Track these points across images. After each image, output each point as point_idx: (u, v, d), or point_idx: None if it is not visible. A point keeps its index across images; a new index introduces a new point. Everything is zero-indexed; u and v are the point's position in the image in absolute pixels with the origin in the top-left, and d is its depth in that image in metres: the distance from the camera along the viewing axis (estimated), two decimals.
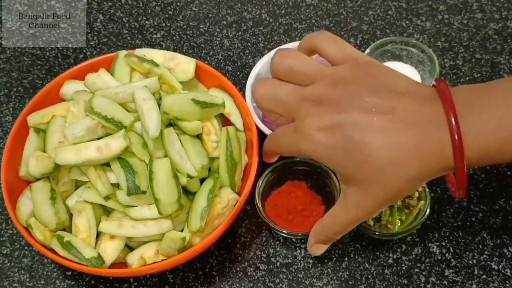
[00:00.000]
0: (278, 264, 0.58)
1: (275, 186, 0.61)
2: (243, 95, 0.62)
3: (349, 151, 0.44)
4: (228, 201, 0.55)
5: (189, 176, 0.54)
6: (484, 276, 0.56)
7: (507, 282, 0.56)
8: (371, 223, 0.57)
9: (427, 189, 0.57)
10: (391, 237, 0.58)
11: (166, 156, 0.55)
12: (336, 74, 0.47)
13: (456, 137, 0.41)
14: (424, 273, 0.57)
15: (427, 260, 0.57)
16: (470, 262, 0.57)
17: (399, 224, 0.58)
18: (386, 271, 0.57)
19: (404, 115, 0.43)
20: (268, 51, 0.66)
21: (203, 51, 0.76)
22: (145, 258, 0.54)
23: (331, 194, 0.60)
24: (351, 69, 0.47)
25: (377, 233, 0.57)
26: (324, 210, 0.59)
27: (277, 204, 0.60)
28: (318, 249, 0.53)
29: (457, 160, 0.42)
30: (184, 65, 0.62)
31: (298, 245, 0.59)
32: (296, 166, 0.62)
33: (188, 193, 0.56)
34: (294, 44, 0.67)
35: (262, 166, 0.60)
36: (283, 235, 0.58)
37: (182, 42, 0.77)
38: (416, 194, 0.58)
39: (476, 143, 0.42)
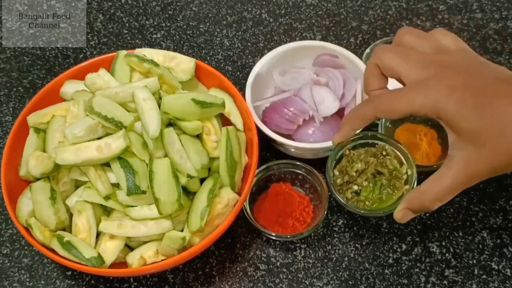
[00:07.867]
0: (278, 264, 0.58)
1: (261, 190, 0.61)
2: (243, 95, 0.62)
3: (480, 105, 0.45)
4: (228, 201, 0.55)
5: (189, 176, 0.54)
6: (484, 276, 0.56)
7: (507, 282, 0.56)
8: (349, 195, 0.54)
9: (415, 175, 0.54)
10: (365, 214, 0.56)
11: (166, 156, 0.55)
12: (459, 49, 0.50)
13: None
14: (424, 273, 0.57)
15: (427, 260, 0.57)
16: (470, 262, 0.57)
17: (377, 203, 0.54)
18: (386, 271, 0.57)
19: None
20: (268, 51, 0.66)
21: (203, 51, 0.76)
22: (145, 258, 0.54)
23: (317, 192, 0.60)
24: (472, 53, 0.51)
25: (360, 209, 0.54)
26: (313, 209, 0.59)
27: (265, 208, 0.59)
28: (406, 216, 0.51)
29: None
30: (184, 65, 0.62)
31: (298, 245, 0.59)
32: (280, 167, 0.61)
33: (188, 193, 0.56)
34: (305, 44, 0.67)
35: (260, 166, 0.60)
36: (273, 238, 0.58)
37: (182, 42, 0.77)
38: (405, 177, 0.54)
39: None
